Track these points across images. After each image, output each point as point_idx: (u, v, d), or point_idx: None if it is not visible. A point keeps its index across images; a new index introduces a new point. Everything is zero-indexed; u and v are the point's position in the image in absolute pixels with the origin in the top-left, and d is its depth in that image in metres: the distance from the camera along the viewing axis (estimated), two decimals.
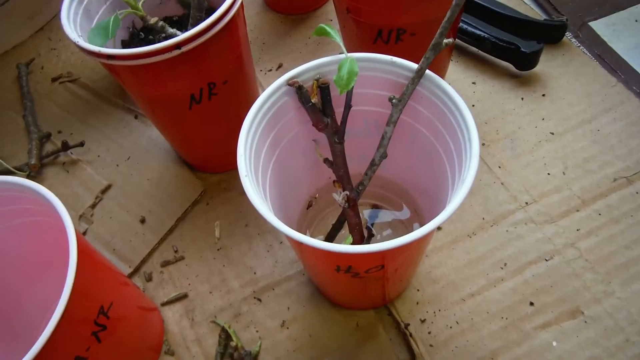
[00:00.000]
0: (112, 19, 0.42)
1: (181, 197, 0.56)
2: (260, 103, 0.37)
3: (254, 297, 0.50)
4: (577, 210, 0.51)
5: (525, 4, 0.67)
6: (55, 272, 0.44)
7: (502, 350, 0.44)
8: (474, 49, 0.63)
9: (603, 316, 0.45)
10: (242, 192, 0.34)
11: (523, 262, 0.48)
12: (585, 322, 0.45)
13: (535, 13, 0.66)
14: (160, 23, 0.46)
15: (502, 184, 0.53)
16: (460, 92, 0.36)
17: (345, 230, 0.45)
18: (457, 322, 0.46)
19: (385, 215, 0.51)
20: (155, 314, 0.49)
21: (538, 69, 0.60)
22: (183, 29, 0.48)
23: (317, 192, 0.49)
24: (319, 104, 0.39)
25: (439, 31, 0.35)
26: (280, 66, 0.66)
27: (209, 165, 0.58)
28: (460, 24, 0.62)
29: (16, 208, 0.40)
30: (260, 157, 0.38)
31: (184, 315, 0.50)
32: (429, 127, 0.40)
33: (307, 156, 0.44)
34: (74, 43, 0.41)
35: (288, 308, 0.49)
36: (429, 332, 0.46)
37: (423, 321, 0.46)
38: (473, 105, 0.59)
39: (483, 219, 0.51)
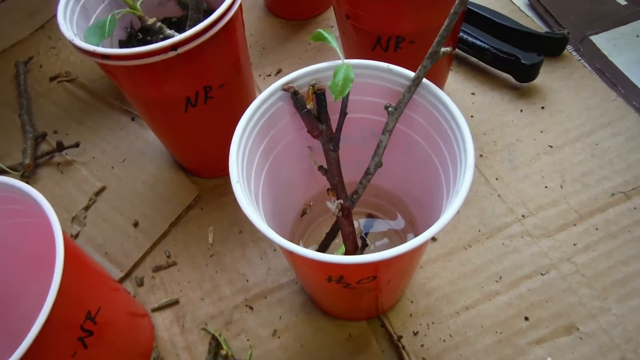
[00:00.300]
0: (108, 18, 0.41)
1: (175, 201, 0.56)
2: (254, 108, 0.37)
3: (246, 305, 0.49)
4: (574, 225, 0.50)
5: (527, 16, 0.67)
6: (46, 273, 0.43)
7: None
8: (474, 59, 0.63)
9: (599, 333, 0.44)
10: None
11: (518, 276, 0.48)
12: (581, 338, 0.44)
13: (537, 25, 0.66)
14: (158, 24, 0.46)
15: (499, 196, 0.53)
16: (459, 102, 0.36)
17: (339, 240, 0.45)
18: (451, 336, 0.45)
19: (380, 225, 0.50)
20: (146, 320, 0.49)
21: (538, 81, 0.60)
22: (182, 30, 0.48)
23: (312, 200, 0.48)
24: (315, 110, 0.39)
25: (436, 39, 0.35)
26: (279, 71, 0.66)
27: (204, 169, 0.57)
28: (461, 34, 0.61)
29: (6, 208, 0.40)
30: (254, 163, 0.38)
31: (175, 322, 0.49)
32: (424, 137, 0.39)
33: (301, 163, 0.43)
34: (69, 41, 0.41)
35: (280, 317, 0.48)
36: (422, 345, 0.45)
37: (416, 334, 0.45)
38: (472, 116, 0.59)
39: (479, 231, 0.51)
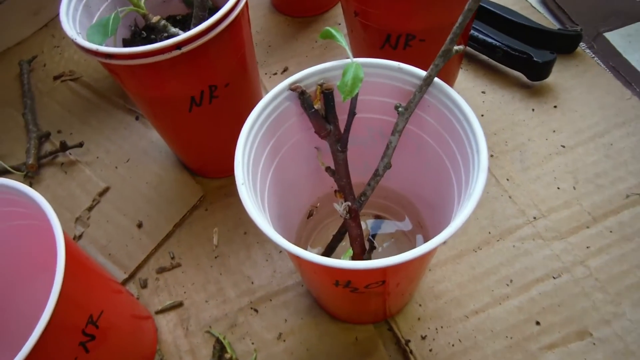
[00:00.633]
0: (112, 17, 0.40)
1: (180, 202, 0.55)
2: (260, 108, 0.36)
3: (251, 308, 0.48)
4: (587, 227, 0.49)
5: (539, 12, 0.65)
6: (47, 276, 0.43)
7: None
8: (484, 57, 0.62)
9: (612, 338, 0.43)
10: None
11: (530, 280, 0.47)
12: (594, 344, 0.43)
13: (549, 22, 0.64)
14: (163, 22, 0.45)
15: (509, 197, 0.51)
16: (469, 101, 0.34)
17: (346, 242, 0.44)
18: (460, 340, 0.44)
19: (388, 227, 0.49)
20: (149, 322, 0.48)
21: (550, 79, 0.59)
22: (186, 28, 0.47)
23: (319, 201, 0.47)
24: (322, 110, 0.38)
25: (449, 37, 0.33)
26: (285, 70, 0.65)
27: (209, 169, 0.56)
28: (472, 31, 0.60)
29: (8, 210, 0.39)
30: (260, 164, 0.37)
31: (179, 325, 0.48)
32: (435, 137, 0.38)
33: (308, 164, 0.42)
34: (72, 40, 0.40)
35: (285, 320, 0.47)
36: (430, 350, 0.44)
37: (424, 338, 0.44)
38: (482, 115, 0.57)
39: (489, 233, 0.50)
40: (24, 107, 0.64)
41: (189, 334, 0.48)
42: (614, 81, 0.58)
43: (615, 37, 0.64)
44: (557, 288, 0.46)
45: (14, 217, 0.39)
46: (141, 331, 0.46)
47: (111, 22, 0.41)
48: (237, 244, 0.52)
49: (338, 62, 0.37)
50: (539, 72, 0.57)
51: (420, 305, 0.46)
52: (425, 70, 0.36)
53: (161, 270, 0.52)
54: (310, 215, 0.46)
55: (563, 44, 0.60)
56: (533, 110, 0.57)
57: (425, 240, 0.45)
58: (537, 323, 0.44)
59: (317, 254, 0.45)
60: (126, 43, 0.49)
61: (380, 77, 0.37)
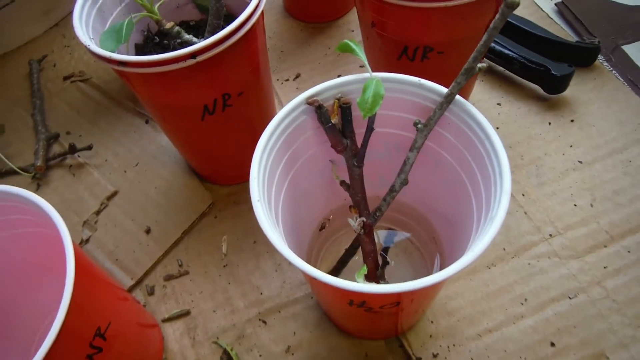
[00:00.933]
0: (125, 23, 0.40)
1: (189, 208, 0.54)
2: (277, 122, 0.35)
3: (259, 319, 0.47)
4: (605, 246, 0.48)
5: (556, 24, 0.64)
6: (54, 284, 0.42)
7: None
8: (500, 68, 0.61)
9: None
10: (252, 207, 0.32)
11: (545, 299, 0.46)
12: None
13: (566, 33, 0.63)
14: (177, 28, 0.44)
15: (525, 213, 0.51)
16: (484, 113, 0.34)
17: (358, 256, 0.43)
18: None
19: (401, 241, 0.48)
20: (155, 331, 0.47)
21: (567, 93, 0.58)
22: (200, 35, 0.46)
23: (332, 214, 0.46)
24: (339, 125, 0.37)
25: (473, 55, 0.33)
26: (297, 76, 0.64)
27: (219, 176, 0.55)
28: None
29: (16, 218, 0.38)
30: (275, 178, 0.36)
31: (185, 334, 0.48)
32: (454, 155, 0.37)
33: (323, 176, 0.42)
34: (85, 47, 0.39)
35: (294, 333, 0.46)
36: None
37: (436, 356, 0.44)
38: (497, 128, 0.56)
39: (504, 249, 0.49)
40: (33, 108, 0.63)
41: (196, 343, 0.47)
42: (633, 96, 0.57)
43: (633, 50, 0.62)
44: (573, 309, 0.45)
45: (20, 224, 0.38)
46: (147, 340, 0.45)
47: (125, 28, 0.40)
48: (246, 253, 0.51)
49: (356, 76, 0.36)
50: (557, 85, 0.56)
51: (432, 322, 0.45)
52: (444, 84, 0.35)
53: (169, 278, 0.51)
54: (322, 227, 0.46)
55: (581, 57, 0.59)
56: (550, 124, 0.56)
57: (441, 256, 0.45)
58: (552, 344, 0.43)
59: (329, 267, 0.45)
60: (138, 48, 0.49)
61: (399, 93, 0.37)
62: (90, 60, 0.69)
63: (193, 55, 0.38)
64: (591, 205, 0.50)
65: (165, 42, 0.48)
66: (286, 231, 0.37)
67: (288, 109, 0.35)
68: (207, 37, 0.38)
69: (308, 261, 0.46)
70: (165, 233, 0.53)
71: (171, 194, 0.56)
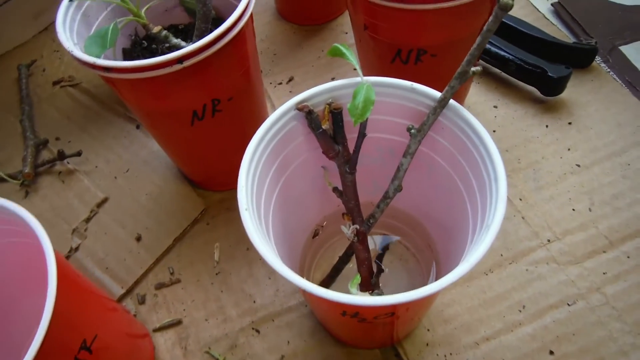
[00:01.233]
0: (110, 28, 0.39)
1: (180, 215, 0.53)
2: (265, 128, 0.34)
3: (252, 328, 0.46)
4: (604, 252, 0.47)
5: (552, 24, 0.63)
6: (38, 295, 0.41)
7: None
8: (496, 70, 0.60)
9: None
10: None
11: (543, 306, 0.45)
12: None
13: (562, 34, 0.62)
14: (164, 32, 0.43)
15: (522, 218, 0.50)
16: (480, 116, 0.33)
17: (353, 264, 0.42)
18: None
19: (396, 247, 0.47)
20: (146, 341, 0.46)
21: (564, 95, 0.57)
22: (189, 38, 0.45)
23: (325, 220, 0.45)
24: (330, 130, 0.36)
25: (466, 58, 0.32)
26: (291, 79, 0.63)
27: (211, 182, 0.54)
28: None
29: (1, 228, 0.37)
30: (264, 185, 0.35)
31: (177, 344, 0.46)
32: (448, 161, 0.36)
33: (315, 183, 0.41)
34: (69, 53, 0.38)
35: (288, 342, 0.45)
36: None
37: None
38: (494, 131, 0.55)
39: (501, 255, 0.48)
40: (22, 113, 0.62)
41: (188, 353, 0.46)
42: (631, 97, 0.56)
43: (631, 51, 0.62)
44: (572, 316, 0.44)
45: (8, 234, 0.37)
46: (138, 350, 0.44)
47: (110, 33, 0.39)
48: (239, 260, 0.50)
49: (347, 81, 0.35)
50: (554, 87, 0.56)
51: (428, 330, 0.44)
52: (439, 88, 0.35)
53: (160, 286, 0.50)
54: (316, 234, 0.45)
55: (578, 58, 0.58)
56: (547, 126, 0.56)
57: (436, 263, 0.44)
58: (551, 353, 0.42)
59: (324, 274, 0.44)
60: (126, 53, 0.48)
61: (392, 97, 0.36)
62: (80, 65, 0.68)
63: (180, 60, 0.37)
64: (590, 210, 0.49)
65: (154, 46, 0.47)
66: (277, 240, 0.36)
67: (277, 115, 0.34)
68: (196, 42, 0.37)
69: (302, 269, 0.45)
70: (156, 240, 0.52)
71: (162, 201, 0.55)
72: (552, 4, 0.67)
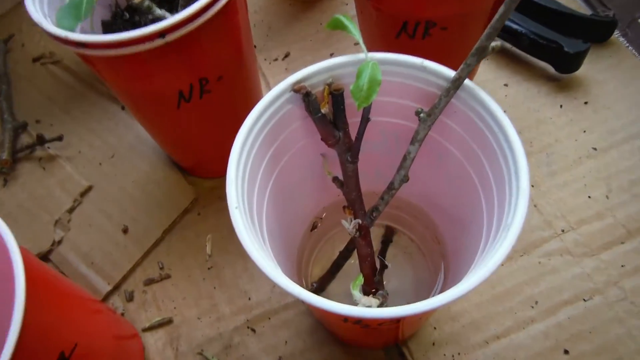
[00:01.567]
0: None
1: (170, 204, 0.50)
2: (258, 112, 0.30)
3: (248, 327, 0.43)
4: (622, 243, 0.44)
5: None
6: (7, 303, 0.38)
7: None
8: (508, 45, 0.56)
9: None
10: None
11: (557, 302, 0.42)
12: None
13: (577, 5, 0.58)
14: (147, 3, 0.39)
15: (535, 205, 0.46)
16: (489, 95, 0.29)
17: (354, 259, 0.39)
18: None
19: (400, 239, 0.44)
20: (135, 342, 0.43)
21: (580, 72, 0.53)
22: (174, 10, 0.41)
23: (324, 211, 0.42)
24: (330, 115, 0.32)
25: (486, 31, 0.28)
26: (287, 55, 0.59)
27: (201, 169, 0.51)
28: None
29: None
30: (257, 178, 0.32)
31: (168, 344, 0.44)
32: (461, 148, 0.33)
33: (313, 172, 0.37)
34: (38, 25, 0.34)
35: (285, 342, 0.42)
36: None
37: None
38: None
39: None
40: None
41: (179, 355, 0.43)
42: None
43: None
44: (587, 312, 0.41)
45: None
46: (125, 352, 0.41)
47: (85, 3, 0.35)
48: (233, 253, 0.47)
49: (350, 57, 0.31)
50: (569, 63, 0.52)
51: (435, 328, 0.42)
52: (447, 63, 0.31)
53: (149, 282, 0.47)
54: (314, 227, 0.41)
55: (596, 32, 0.54)
56: (561, 106, 0.52)
57: (444, 257, 0.41)
58: (566, 352, 0.40)
59: (323, 269, 0.41)
60: (106, 26, 0.43)
61: (399, 77, 0.32)
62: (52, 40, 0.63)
63: (161, 34, 0.33)
64: (607, 197, 0.46)
65: (137, 18, 0.43)
66: (272, 237, 0.33)
67: (271, 98, 0.31)
68: (177, 14, 0.33)
69: (299, 264, 0.42)
70: (144, 233, 0.49)
71: (150, 189, 0.51)
72: None
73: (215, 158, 0.48)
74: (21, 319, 0.26)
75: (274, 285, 0.45)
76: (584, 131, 0.50)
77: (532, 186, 0.47)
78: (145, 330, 0.44)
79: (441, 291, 0.31)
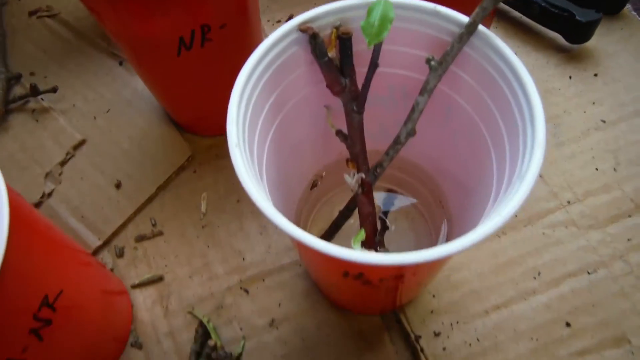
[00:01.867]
0: None
1: (165, 161, 0.48)
2: (261, 53, 0.29)
3: (241, 288, 0.42)
4: (629, 216, 0.43)
5: None
6: None
7: None
8: (517, 13, 0.54)
9: None
10: None
11: (560, 273, 0.41)
12: (632, 353, 0.37)
13: None
14: None
15: (540, 176, 0.45)
16: None
17: (354, 220, 0.37)
18: (478, 339, 0.39)
19: (402, 203, 0.43)
20: (123, 298, 0.42)
21: (591, 43, 0.52)
22: None
23: (325, 169, 0.41)
24: (337, 60, 0.31)
25: None
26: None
27: (199, 126, 0.49)
28: None
29: None
30: (258, 122, 0.30)
31: (158, 302, 0.42)
32: (472, 101, 0.31)
33: (316, 125, 0.36)
34: None
35: (279, 304, 0.41)
36: (444, 349, 0.38)
37: (437, 334, 0.39)
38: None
39: (516, 216, 0.43)
40: None
41: (169, 313, 0.42)
42: None
43: None
44: (591, 285, 0.40)
45: None
46: (113, 309, 0.40)
47: None
48: (228, 213, 0.46)
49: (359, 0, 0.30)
50: (581, 33, 0.50)
51: (434, 296, 0.40)
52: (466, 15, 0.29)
53: (140, 239, 0.45)
54: (314, 185, 0.40)
55: (608, 2, 0.52)
56: (570, 77, 0.50)
57: (448, 222, 0.39)
58: (568, 324, 0.39)
59: (321, 232, 0.40)
60: None
61: (409, 22, 0.30)
62: None
63: None
64: (614, 170, 0.45)
65: None
66: (271, 187, 0.32)
67: (276, 37, 0.29)
68: None
69: (297, 224, 0.41)
70: (137, 188, 0.47)
71: (146, 145, 0.50)
72: None
73: (213, 114, 0.46)
74: (3, 252, 0.25)
75: (269, 246, 0.44)
76: (593, 103, 0.49)
77: None
78: (134, 286, 0.43)
79: None
